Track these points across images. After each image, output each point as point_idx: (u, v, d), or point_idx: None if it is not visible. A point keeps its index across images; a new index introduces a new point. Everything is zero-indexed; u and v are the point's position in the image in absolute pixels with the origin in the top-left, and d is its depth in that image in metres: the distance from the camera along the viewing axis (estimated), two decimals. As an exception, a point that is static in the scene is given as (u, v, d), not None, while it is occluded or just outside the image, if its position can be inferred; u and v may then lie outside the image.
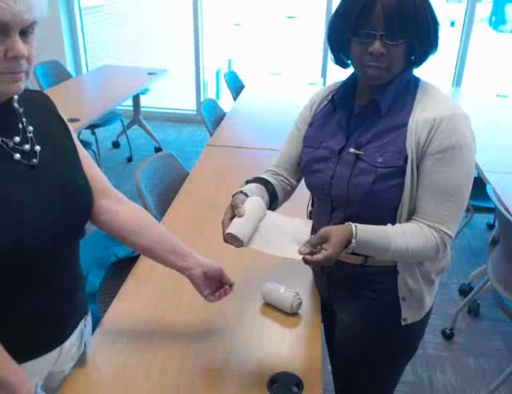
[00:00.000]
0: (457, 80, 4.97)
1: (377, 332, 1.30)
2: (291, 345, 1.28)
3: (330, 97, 1.27)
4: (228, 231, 1.08)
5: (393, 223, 1.15)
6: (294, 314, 1.38)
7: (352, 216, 1.16)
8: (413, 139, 1.10)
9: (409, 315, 1.25)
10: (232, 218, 1.12)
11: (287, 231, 1.13)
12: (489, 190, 2.18)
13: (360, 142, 1.17)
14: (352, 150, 1.16)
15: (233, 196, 1.18)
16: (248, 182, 1.29)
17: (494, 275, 2.21)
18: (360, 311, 1.31)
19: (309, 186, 1.31)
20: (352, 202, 1.18)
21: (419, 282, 1.23)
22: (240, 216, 1.10)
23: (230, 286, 1.24)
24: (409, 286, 1.22)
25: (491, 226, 3.59)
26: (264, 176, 1.34)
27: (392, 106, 1.15)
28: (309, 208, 1.41)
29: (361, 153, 1.15)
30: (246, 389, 1.14)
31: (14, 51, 0.80)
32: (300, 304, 1.38)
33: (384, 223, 1.13)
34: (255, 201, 1.16)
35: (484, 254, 3.22)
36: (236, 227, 1.09)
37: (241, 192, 1.18)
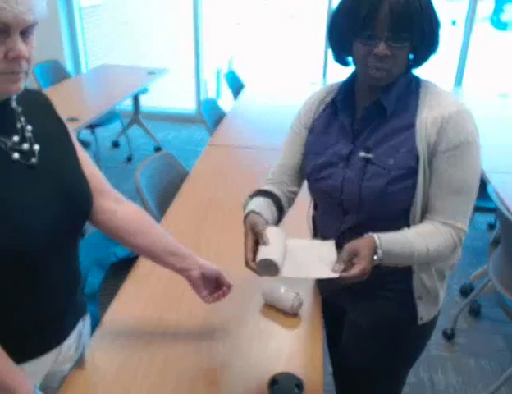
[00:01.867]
0: (458, 80, 4.97)
1: (393, 332, 1.30)
2: (292, 345, 1.27)
3: (328, 100, 1.25)
4: (265, 257, 1.02)
5: (406, 223, 1.14)
6: (295, 315, 1.37)
7: (364, 218, 1.16)
8: (423, 139, 1.09)
9: (424, 313, 1.25)
10: (255, 242, 1.09)
11: (313, 254, 1.10)
12: (490, 190, 2.17)
13: (368, 145, 1.15)
14: (362, 154, 1.15)
15: (245, 217, 1.15)
16: (252, 196, 1.26)
17: (495, 275, 2.20)
18: (375, 312, 1.30)
19: (316, 192, 1.29)
20: (365, 205, 1.16)
21: (434, 280, 1.23)
22: (266, 244, 1.07)
23: (228, 287, 1.24)
24: (425, 284, 1.22)
25: (492, 227, 3.58)
26: (268, 188, 1.30)
27: (396, 106, 1.14)
28: (311, 213, 1.40)
29: (371, 156, 1.14)
30: (246, 389, 1.13)
31: (15, 51, 0.79)
32: (301, 304, 1.37)
33: (397, 224, 1.13)
34: (275, 228, 1.14)
35: (485, 255, 3.22)
36: (270, 254, 1.03)
37: (254, 212, 1.15)
